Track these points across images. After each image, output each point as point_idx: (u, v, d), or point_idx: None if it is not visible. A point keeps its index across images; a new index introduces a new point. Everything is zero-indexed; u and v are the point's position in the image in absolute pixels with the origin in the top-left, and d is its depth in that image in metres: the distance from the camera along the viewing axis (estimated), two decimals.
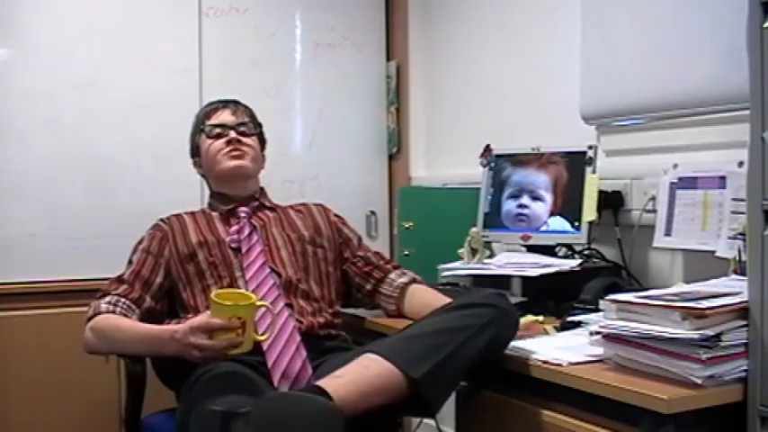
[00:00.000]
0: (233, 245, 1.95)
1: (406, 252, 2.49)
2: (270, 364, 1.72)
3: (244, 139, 2.05)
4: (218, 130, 2.05)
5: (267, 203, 2.11)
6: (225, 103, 2.10)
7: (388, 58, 3.17)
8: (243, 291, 1.78)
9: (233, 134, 2.04)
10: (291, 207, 2.15)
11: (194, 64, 2.81)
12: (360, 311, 2.12)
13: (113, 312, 1.85)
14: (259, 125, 2.14)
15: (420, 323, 1.62)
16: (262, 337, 1.68)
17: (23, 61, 2.61)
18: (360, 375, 1.49)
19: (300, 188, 2.90)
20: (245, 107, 2.13)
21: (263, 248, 1.96)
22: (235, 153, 2.03)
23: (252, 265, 1.92)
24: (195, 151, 2.12)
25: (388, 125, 3.16)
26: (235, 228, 1.98)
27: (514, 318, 1.65)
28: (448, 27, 2.96)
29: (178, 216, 2.05)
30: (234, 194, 2.06)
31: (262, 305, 1.69)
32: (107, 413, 2.53)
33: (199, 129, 2.09)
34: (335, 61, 3.05)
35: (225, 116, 2.08)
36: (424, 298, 1.96)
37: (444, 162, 3.00)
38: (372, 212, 3.10)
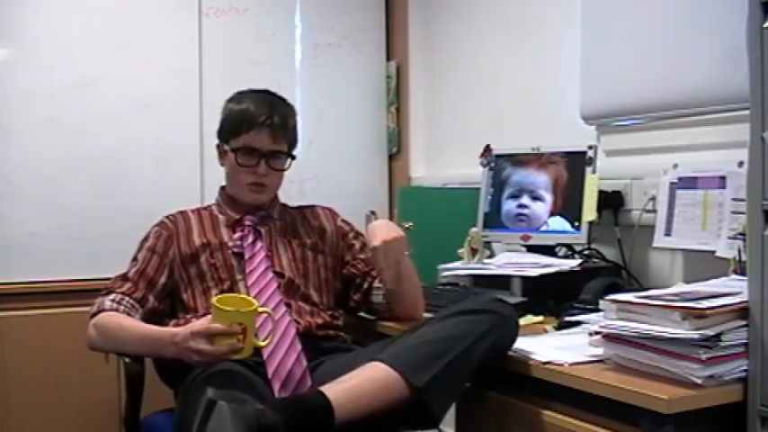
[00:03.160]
0: (235, 250, 1.94)
1: (406, 252, 2.48)
2: (270, 373, 1.72)
3: (271, 174, 1.97)
4: (248, 158, 1.94)
5: (275, 215, 2.06)
6: (269, 117, 1.94)
7: (388, 58, 3.17)
8: (245, 296, 1.77)
9: (262, 168, 1.94)
10: (300, 210, 2.12)
11: (194, 64, 2.81)
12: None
13: (117, 310, 1.85)
14: (295, 142, 2.02)
15: (422, 329, 1.62)
16: (262, 343, 1.67)
17: (23, 61, 2.61)
18: (362, 381, 1.50)
19: (300, 188, 2.90)
20: (288, 122, 1.99)
21: (266, 254, 1.94)
22: (257, 189, 1.97)
23: (255, 270, 1.91)
24: (221, 135, 2.01)
25: (388, 125, 3.16)
26: (238, 234, 1.97)
27: (514, 324, 1.65)
28: (448, 27, 2.96)
29: (183, 214, 2.03)
30: (245, 204, 2.02)
31: (263, 311, 1.69)
32: (107, 413, 2.53)
33: (229, 135, 1.98)
34: (335, 61, 3.05)
35: (262, 139, 1.93)
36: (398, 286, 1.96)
37: (444, 162, 3.00)
38: (372, 212, 3.07)
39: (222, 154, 2.03)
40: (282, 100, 2.03)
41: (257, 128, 1.94)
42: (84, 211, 2.66)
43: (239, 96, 2.02)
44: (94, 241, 2.63)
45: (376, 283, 2.02)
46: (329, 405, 1.44)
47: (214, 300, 1.63)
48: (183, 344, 1.63)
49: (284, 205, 2.12)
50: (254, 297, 1.79)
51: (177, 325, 1.84)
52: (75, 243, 2.64)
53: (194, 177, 2.56)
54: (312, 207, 2.15)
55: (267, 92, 2.03)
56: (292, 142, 2.02)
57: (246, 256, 1.93)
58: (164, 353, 1.71)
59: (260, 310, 1.66)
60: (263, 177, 1.96)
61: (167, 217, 2.03)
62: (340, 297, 2.07)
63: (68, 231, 2.64)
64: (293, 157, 2.03)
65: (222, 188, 2.08)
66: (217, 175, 2.11)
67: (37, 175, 2.61)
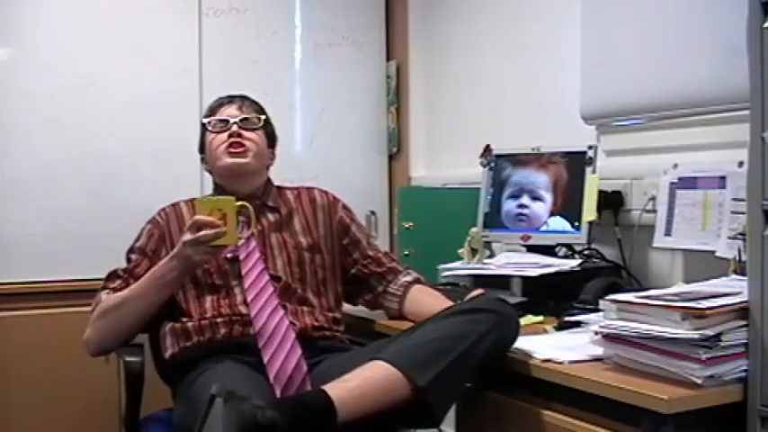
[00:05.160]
0: (229, 255, 1.90)
1: (406, 252, 2.49)
2: (265, 360, 1.72)
3: (246, 134, 1.99)
4: (220, 125, 2.00)
5: (270, 203, 2.04)
6: (231, 98, 2.06)
7: (388, 58, 3.17)
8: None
9: (235, 128, 1.98)
10: (297, 196, 2.08)
11: (194, 64, 2.81)
12: (359, 310, 2.10)
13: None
14: (266, 120, 2.07)
15: (423, 329, 1.61)
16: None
17: (23, 61, 2.61)
18: (364, 380, 1.49)
19: None
20: (253, 102, 2.08)
21: (260, 256, 1.91)
22: (235, 150, 1.96)
23: (250, 272, 1.88)
24: (202, 147, 2.07)
25: (388, 125, 3.17)
26: None
27: (515, 323, 1.65)
28: (448, 27, 2.96)
29: (176, 208, 2.01)
30: (235, 192, 1.98)
31: (241, 205, 1.79)
32: (107, 412, 2.52)
33: (203, 133, 2.05)
34: (335, 61, 3.05)
35: (229, 111, 2.02)
36: (423, 302, 1.94)
37: (444, 162, 3.00)
38: (372, 212, 3.10)
39: (204, 160, 2.07)
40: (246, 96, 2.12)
41: (221, 107, 2.04)
42: (84, 212, 2.66)
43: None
44: (94, 241, 2.63)
45: (391, 289, 2.00)
46: (331, 404, 1.43)
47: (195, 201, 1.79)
48: (179, 253, 1.73)
49: (280, 189, 2.09)
50: (252, 301, 1.82)
51: (174, 326, 1.85)
52: (75, 243, 2.64)
53: (194, 177, 2.55)
54: (310, 191, 2.11)
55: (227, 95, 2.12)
56: (263, 118, 2.06)
57: (242, 256, 1.90)
58: (169, 279, 1.78)
59: (238, 204, 1.76)
60: (238, 137, 1.98)
61: (159, 214, 2.02)
62: (345, 292, 2.05)
63: (68, 231, 2.64)
64: (270, 136, 2.07)
65: (215, 184, 2.07)
66: None
67: (37, 175, 2.61)
